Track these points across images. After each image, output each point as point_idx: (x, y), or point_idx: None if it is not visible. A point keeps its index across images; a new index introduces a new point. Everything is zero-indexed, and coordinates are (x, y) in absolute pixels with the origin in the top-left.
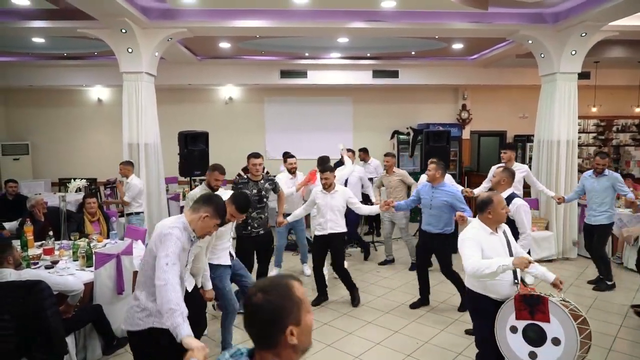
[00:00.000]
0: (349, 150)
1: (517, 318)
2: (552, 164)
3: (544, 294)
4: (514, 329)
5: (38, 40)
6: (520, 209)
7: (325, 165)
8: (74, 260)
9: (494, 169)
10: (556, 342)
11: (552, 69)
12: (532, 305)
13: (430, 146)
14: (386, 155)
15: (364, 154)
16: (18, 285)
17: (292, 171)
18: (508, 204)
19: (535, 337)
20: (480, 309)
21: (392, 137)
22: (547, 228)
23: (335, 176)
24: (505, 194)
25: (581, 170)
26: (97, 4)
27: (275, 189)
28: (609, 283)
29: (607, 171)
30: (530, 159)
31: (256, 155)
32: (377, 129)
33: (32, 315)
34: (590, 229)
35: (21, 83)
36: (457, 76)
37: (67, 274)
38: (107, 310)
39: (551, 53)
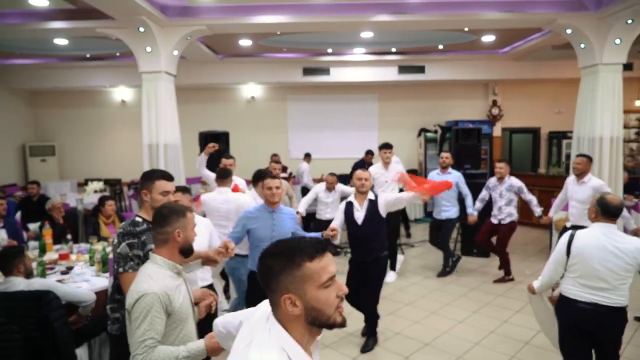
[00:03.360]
0: (368, 152)
1: None
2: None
3: None
4: None
5: (61, 42)
6: None
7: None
8: (91, 265)
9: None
10: None
11: (594, 60)
12: None
13: (460, 144)
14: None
15: (368, 155)
16: (26, 296)
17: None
18: None
19: None
20: None
21: (419, 135)
22: None
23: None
24: None
25: (626, 169)
26: (113, 2)
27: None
28: None
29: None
30: (567, 156)
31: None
32: (403, 126)
33: (40, 326)
34: None
35: (47, 85)
36: (488, 71)
37: (81, 280)
38: None
39: (593, 43)
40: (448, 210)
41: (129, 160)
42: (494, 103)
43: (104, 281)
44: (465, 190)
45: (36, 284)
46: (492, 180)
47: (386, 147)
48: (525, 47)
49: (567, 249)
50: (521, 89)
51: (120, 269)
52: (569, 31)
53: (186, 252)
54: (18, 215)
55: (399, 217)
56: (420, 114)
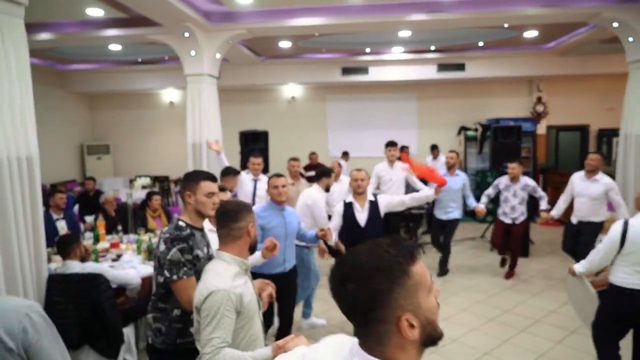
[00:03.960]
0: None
1: None
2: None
3: None
4: None
5: (115, 47)
6: None
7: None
8: (138, 254)
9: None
10: None
11: None
12: None
13: (499, 142)
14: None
15: (434, 150)
16: (81, 278)
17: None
18: None
19: None
20: None
21: (459, 133)
22: None
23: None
24: None
25: None
26: (162, 11)
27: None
28: None
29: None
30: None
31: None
32: (442, 125)
33: (91, 306)
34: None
35: (102, 88)
36: (531, 67)
37: (129, 266)
38: None
39: None
40: (453, 211)
41: (176, 159)
42: (539, 100)
43: (149, 268)
44: (469, 193)
45: (89, 267)
46: (503, 180)
47: (391, 145)
48: (571, 42)
49: (621, 238)
50: (568, 85)
51: (175, 277)
52: (615, 25)
53: (254, 247)
54: (76, 208)
55: (399, 215)
56: (460, 112)
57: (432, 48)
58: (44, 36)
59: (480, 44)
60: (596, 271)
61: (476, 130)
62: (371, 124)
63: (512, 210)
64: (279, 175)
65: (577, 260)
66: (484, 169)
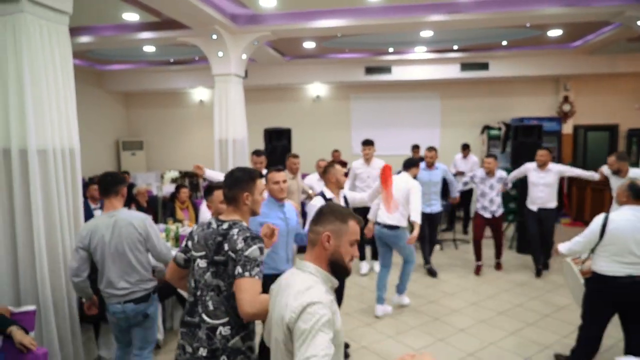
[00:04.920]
0: (415, 147)
1: None
2: None
3: None
4: None
5: (149, 49)
6: None
7: None
8: (167, 242)
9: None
10: None
11: None
12: None
13: (520, 142)
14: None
15: (465, 150)
16: None
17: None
18: None
19: None
20: None
21: (482, 132)
22: None
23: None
24: None
25: None
26: (192, 15)
27: None
28: None
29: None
30: None
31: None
32: (466, 124)
33: None
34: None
35: (137, 87)
36: (557, 65)
37: None
38: None
39: None
40: (436, 203)
41: (205, 155)
42: (566, 99)
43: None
44: (451, 178)
45: None
46: (479, 174)
47: (366, 143)
48: (598, 41)
49: (601, 231)
50: (596, 84)
51: (247, 273)
52: (639, 23)
53: (339, 269)
54: None
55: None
56: (484, 111)
57: (455, 47)
58: (85, 39)
59: (504, 43)
60: (578, 255)
61: (499, 129)
62: (394, 122)
63: (491, 203)
64: (278, 170)
65: (543, 244)
66: (507, 168)
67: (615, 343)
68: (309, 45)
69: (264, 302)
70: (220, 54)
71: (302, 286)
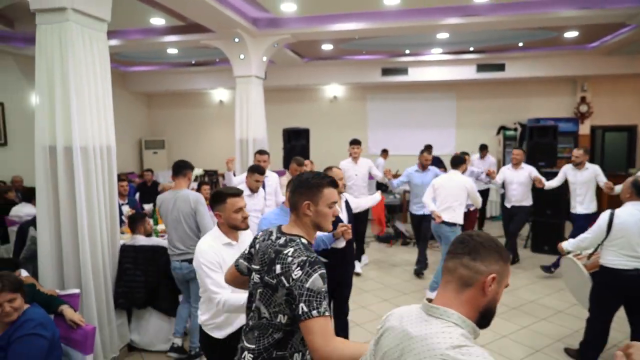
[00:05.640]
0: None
1: None
2: None
3: None
4: None
5: (172, 51)
6: None
7: None
8: None
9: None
10: None
11: None
12: None
13: (534, 142)
14: None
15: (483, 150)
16: (147, 249)
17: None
18: None
19: None
20: None
21: (498, 133)
22: None
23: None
24: None
25: None
26: (215, 19)
27: None
28: None
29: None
30: None
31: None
32: (481, 125)
33: (155, 272)
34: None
35: (160, 88)
36: (575, 66)
37: None
38: None
39: None
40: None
41: (224, 154)
42: (583, 100)
43: None
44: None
45: (153, 241)
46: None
47: (355, 143)
48: (615, 42)
49: (607, 227)
50: (614, 85)
51: (315, 312)
52: None
53: (489, 318)
54: (137, 196)
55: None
56: (500, 111)
57: (471, 49)
58: (113, 42)
59: (520, 44)
60: (579, 252)
61: (516, 130)
62: (410, 123)
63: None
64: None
65: (508, 238)
66: None
67: (626, 338)
68: (327, 47)
69: (348, 348)
70: (242, 56)
71: (448, 342)
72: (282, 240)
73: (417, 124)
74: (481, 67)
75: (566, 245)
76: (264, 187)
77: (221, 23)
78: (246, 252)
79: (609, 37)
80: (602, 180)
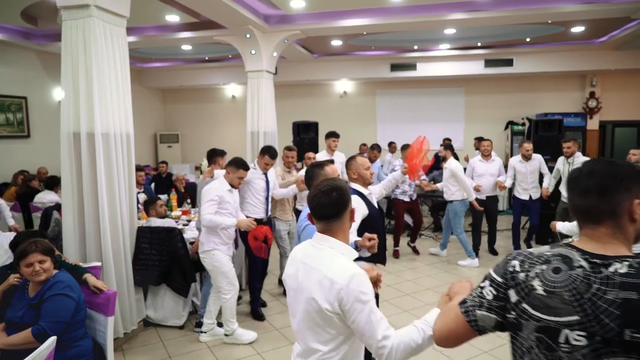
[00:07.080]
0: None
1: None
2: None
3: None
4: None
5: (186, 47)
6: None
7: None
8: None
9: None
10: None
11: None
12: None
13: (540, 136)
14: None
15: (478, 142)
16: (161, 230)
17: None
18: None
19: None
20: None
21: (506, 127)
22: None
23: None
24: None
25: None
26: (228, 16)
27: None
28: None
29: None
30: None
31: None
32: (490, 119)
33: (169, 251)
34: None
35: (174, 84)
36: (583, 61)
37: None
38: None
39: None
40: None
41: (236, 147)
42: (592, 95)
43: None
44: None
45: (167, 223)
46: (393, 160)
47: (333, 135)
48: (623, 36)
49: None
50: (624, 80)
51: None
52: None
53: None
54: (152, 186)
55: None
56: (508, 106)
57: (479, 44)
58: (131, 39)
59: (528, 39)
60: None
61: (523, 124)
62: (419, 118)
63: (410, 187)
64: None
65: (489, 231)
66: None
67: None
68: (336, 43)
69: None
70: (253, 51)
71: None
72: (612, 268)
73: (425, 119)
74: (489, 62)
75: (560, 227)
76: (267, 181)
77: (233, 20)
78: (489, 297)
79: (617, 31)
80: (545, 170)
